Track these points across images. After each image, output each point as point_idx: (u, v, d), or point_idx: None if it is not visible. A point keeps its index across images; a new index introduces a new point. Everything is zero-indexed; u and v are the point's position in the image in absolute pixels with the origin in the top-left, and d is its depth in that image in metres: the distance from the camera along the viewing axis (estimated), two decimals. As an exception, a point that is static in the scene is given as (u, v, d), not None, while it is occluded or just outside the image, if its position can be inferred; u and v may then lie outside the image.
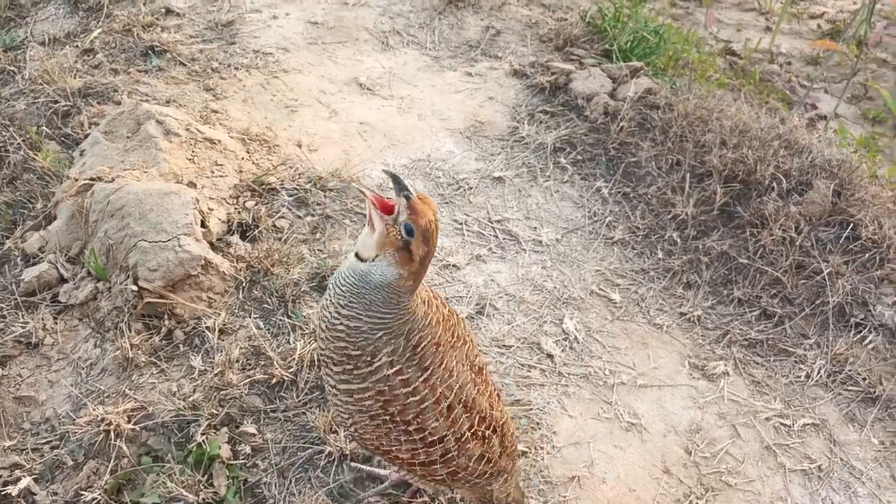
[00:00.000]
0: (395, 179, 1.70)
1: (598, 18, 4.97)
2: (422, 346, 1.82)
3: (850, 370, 3.04)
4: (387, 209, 1.72)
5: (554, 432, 2.73)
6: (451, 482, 2.03)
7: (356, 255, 1.79)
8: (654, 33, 4.87)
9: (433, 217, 1.71)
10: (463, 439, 1.92)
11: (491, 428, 1.99)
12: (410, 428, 1.85)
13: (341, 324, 1.78)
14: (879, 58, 6.75)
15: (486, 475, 2.04)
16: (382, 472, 2.44)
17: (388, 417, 1.84)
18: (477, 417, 1.94)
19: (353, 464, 2.46)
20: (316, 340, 2.34)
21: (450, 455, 1.92)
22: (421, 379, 1.81)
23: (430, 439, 1.88)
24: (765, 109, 4.10)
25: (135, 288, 2.78)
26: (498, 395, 2.14)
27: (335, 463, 2.47)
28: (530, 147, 4.07)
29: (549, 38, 5.05)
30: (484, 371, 2.06)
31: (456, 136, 4.14)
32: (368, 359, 1.79)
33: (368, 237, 1.75)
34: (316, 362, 2.71)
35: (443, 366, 1.86)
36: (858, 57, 5.72)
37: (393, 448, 1.91)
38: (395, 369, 1.79)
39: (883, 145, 5.62)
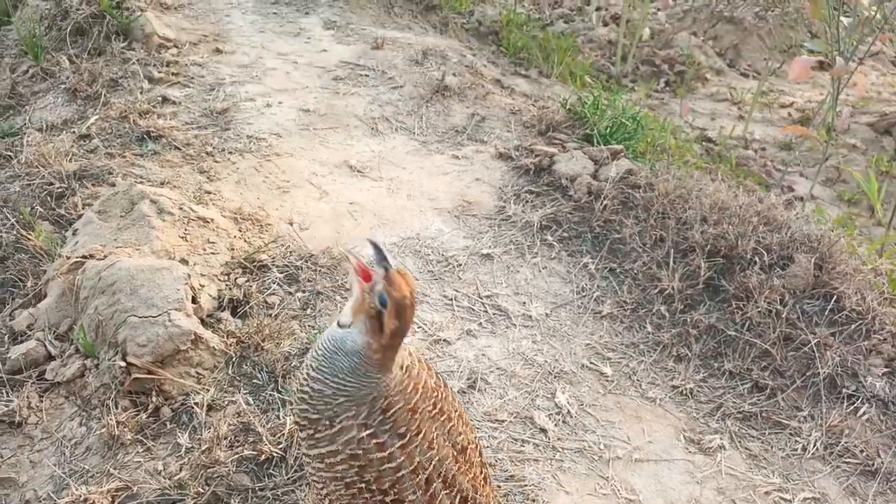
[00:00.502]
0: (377, 249, 1.74)
1: (578, 106, 5.19)
2: (392, 410, 1.79)
3: (846, 442, 3.02)
4: (366, 276, 1.75)
5: (550, 509, 2.67)
6: None
7: (338, 322, 1.83)
8: (632, 119, 5.08)
9: (409, 293, 1.73)
10: None
11: None
12: (387, 499, 1.80)
13: (307, 386, 1.80)
14: (849, 143, 7.05)
15: None
16: None
17: (363, 486, 1.79)
18: (458, 498, 1.88)
19: None
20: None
21: None
22: (397, 445, 1.78)
23: None
24: (742, 189, 4.23)
25: (123, 364, 2.75)
26: (486, 479, 2.07)
27: (326, 542, 2.38)
28: (517, 225, 4.16)
29: (531, 124, 5.26)
30: (468, 452, 1.99)
31: (444, 216, 4.22)
32: (327, 423, 1.78)
33: (352, 304, 1.78)
34: (306, 438, 2.66)
35: (420, 435, 1.82)
36: (828, 142, 5.98)
37: None
38: (368, 432, 1.76)
39: (860, 224, 5.79)
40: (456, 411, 1.99)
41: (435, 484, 1.82)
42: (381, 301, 1.71)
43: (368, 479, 1.78)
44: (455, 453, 1.91)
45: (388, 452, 1.77)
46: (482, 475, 2.04)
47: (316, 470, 1.84)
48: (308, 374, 1.80)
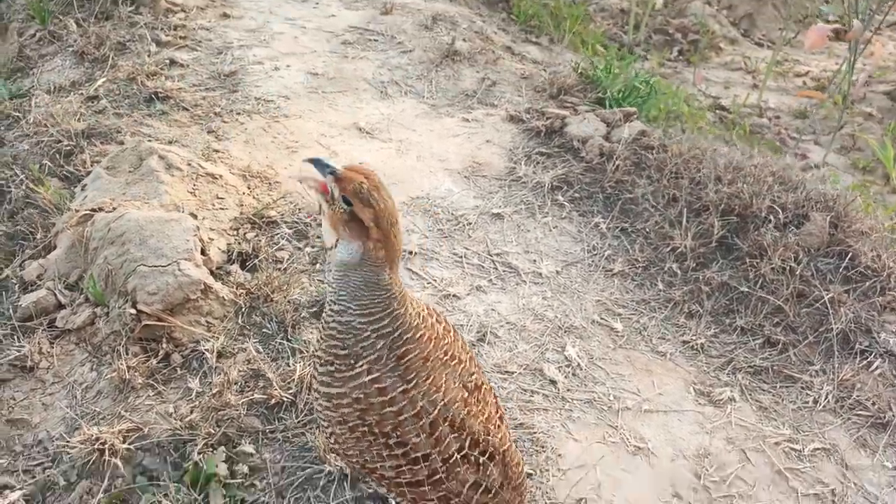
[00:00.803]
0: (315, 163, 1.72)
1: (591, 70, 5.13)
2: (407, 358, 1.77)
3: (857, 396, 3.00)
4: (325, 189, 1.73)
5: (559, 455, 2.66)
6: None
7: (327, 248, 1.81)
8: (645, 83, 5.02)
9: (364, 178, 1.69)
10: (451, 461, 1.82)
11: (486, 454, 1.89)
12: (390, 441, 1.78)
13: (334, 321, 1.77)
14: (865, 111, 6.95)
15: None
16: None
17: (366, 429, 1.77)
18: (468, 440, 1.84)
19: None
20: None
21: (437, 477, 1.83)
22: (399, 389, 1.75)
23: (412, 455, 1.79)
24: (757, 150, 4.18)
25: (133, 311, 2.76)
26: (501, 418, 2.05)
27: (335, 483, 2.39)
28: (528, 186, 4.13)
29: (543, 88, 5.20)
30: (482, 391, 1.97)
31: (454, 176, 4.19)
32: (352, 361, 1.76)
33: (325, 223, 1.76)
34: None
35: (429, 380, 1.80)
36: (844, 108, 5.89)
37: (377, 465, 1.83)
38: (371, 377, 1.75)
39: (874, 192, 5.72)
40: (467, 353, 1.98)
41: (441, 427, 1.79)
42: (345, 201, 1.69)
43: (370, 423, 1.77)
44: (467, 394, 1.89)
45: (389, 397, 1.75)
46: (497, 414, 2.02)
47: (323, 408, 1.83)
48: (331, 308, 1.78)
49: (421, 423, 1.77)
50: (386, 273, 1.74)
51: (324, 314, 1.82)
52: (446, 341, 1.90)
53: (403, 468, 1.81)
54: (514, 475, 1.99)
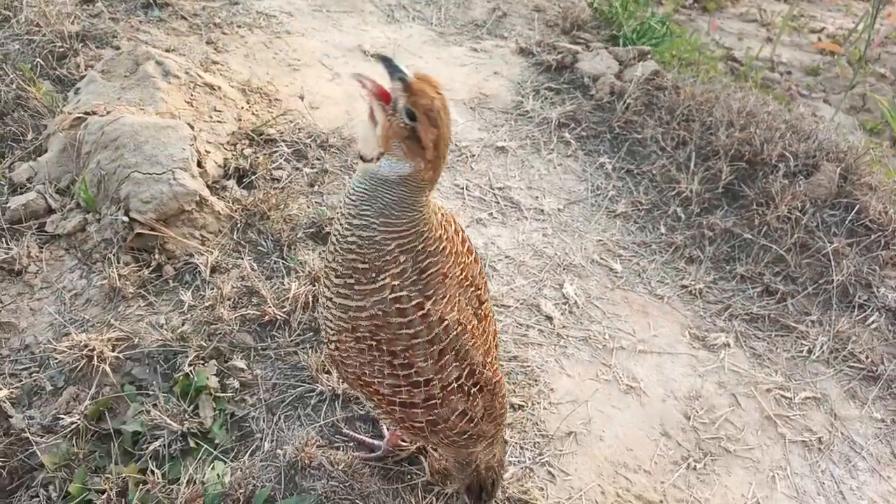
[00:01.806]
0: (386, 62, 1.55)
1: (605, 5, 4.96)
2: (428, 272, 1.69)
3: (852, 348, 2.99)
4: (385, 97, 1.57)
5: (551, 389, 2.65)
6: (429, 432, 1.89)
7: (360, 157, 1.67)
8: (661, 23, 4.86)
9: (436, 94, 1.55)
10: (449, 388, 1.79)
11: (477, 386, 1.85)
12: (396, 361, 1.72)
13: (353, 235, 1.66)
14: (878, 72, 6.81)
15: (466, 435, 1.91)
16: (375, 441, 2.31)
17: (374, 343, 1.71)
18: (467, 370, 1.81)
19: (345, 431, 2.32)
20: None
21: (433, 402, 1.79)
22: (419, 313, 1.68)
23: (414, 378, 1.75)
24: (772, 96, 4.08)
25: (126, 219, 2.68)
26: (496, 346, 2.00)
27: (326, 402, 2.37)
28: (534, 121, 4.02)
29: (555, 23, 5.03)
30: (489, 320, 1.92)
31: (460, 107, 4.07)
32: (374, 275, 1.66)
33: (370, 130, 1.60)
34: (310, 304, 2.62)
35: (445, 299, 1.73)
36: (860, 64, 5.76)
37: (375, 381, 1.78)
38: (393, 294, 1.67)
39: (880, 154, 5.64)
40: (482, 277, 1.92)
41: (448, 356, 1.75)
42: (409, 116, 1.54)
43: (381, 338, 1.70)
44: (476, 322, 1.83)
45: (407, 319, 1.68)
46: (494, 343, 1.98)
47: (335, 318, 1.74)
48: (350, 222, 1.66)
49: (432, 349, 1.72)
50: (425, 195, 1.64)
51: (337, 226, 1.70)
52: (464, 260, 1.82)
53: (402, 388, 1.77)
54: (498, 406, 1.96)
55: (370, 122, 1.60)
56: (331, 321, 1.76)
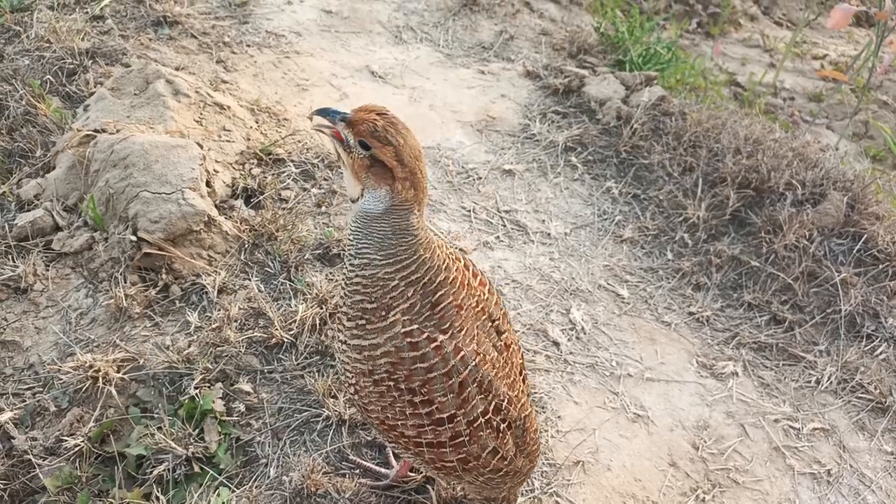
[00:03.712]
0: (322, 113, 1.63)
1: (612, 30, 4.99)
2: (442, 305, 1.68)
3: (860, 379, 2.98)
4: (339, 136, 1.63)
5: (559, 417, 2.63)
6: (462, 471, 1.85)
7: (351, 200, 1.71)
8: (667, 49, 4.89)
9: (377, 116, 1.59)
10: (476, 424, 1.76)
11: (506, 422, 1.82)
12: (416, 399, 1.70)
13: (356, 275, 1.68)
14: (880, 100, 6.85)
15: (501, 472, 1.87)
16: (382, 470, 2.27)
17: (392, 383, 1.69)
18: (493, 403, 1.77)
19: (352, 458, 2.29)
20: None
21: (460, 440, 1.76)
22: (433, 345, 1.67)
23: (437, 416, 1.72)
24: (778, 124, 4.09)
25: (133, 238, 2.67)
26: (524, 379, 1.96)
27: (332, 428, 2.34)
28: (541, 144, 4.03)
29: (561, 46, 5.06)
30: (510, 350, 1.88)
31: (467, 129, 4.09)
32: (383, 313, 1.67)
33: (346, 171, 1.67)
34: (318, 327, 2.60)
35: (463, 331, 1.71)
36: (863, 92, 5.79)
37: (399, 423, 1.76)
38: (405, 329, 1.66)
39: (883, 182, 5.66)
40: (501, 310, 1.89)
41: (470, 388, 1.72)
42: (362, 146, 1.59)
43: (398, 377, 1.69)
44: (496, 354, 1.81)
45: (420, 352, 1.67)
46: (521, 374, 1.94)
47: (350, 360, 1.73)
48: (352, 263, 1.69)
49: (451, 382, 1.70)
50: (415, 216, 1.65)
51: (344, 270, 1.72)
52: (479, 294, 1.81)
53: (426, 428, 1.74)
54: (530, 442, 1.93)
55: (343, 164, 1.66)
56: (348, 364, 1.75)
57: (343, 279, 1.73)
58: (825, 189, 3.46)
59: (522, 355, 1.98)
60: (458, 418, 1.73)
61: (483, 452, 1.80)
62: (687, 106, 4.14)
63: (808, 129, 6.16)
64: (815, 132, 6.21)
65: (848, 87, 6.84)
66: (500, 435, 1.82)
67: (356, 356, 1.72)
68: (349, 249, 1.70)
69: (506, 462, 1.85)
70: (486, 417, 1.77)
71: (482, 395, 1.75)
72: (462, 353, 1.70)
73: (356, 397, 1.79)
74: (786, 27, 8.37)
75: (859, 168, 5.68)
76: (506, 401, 1.81)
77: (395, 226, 1.64)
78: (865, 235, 3.33)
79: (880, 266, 3.28)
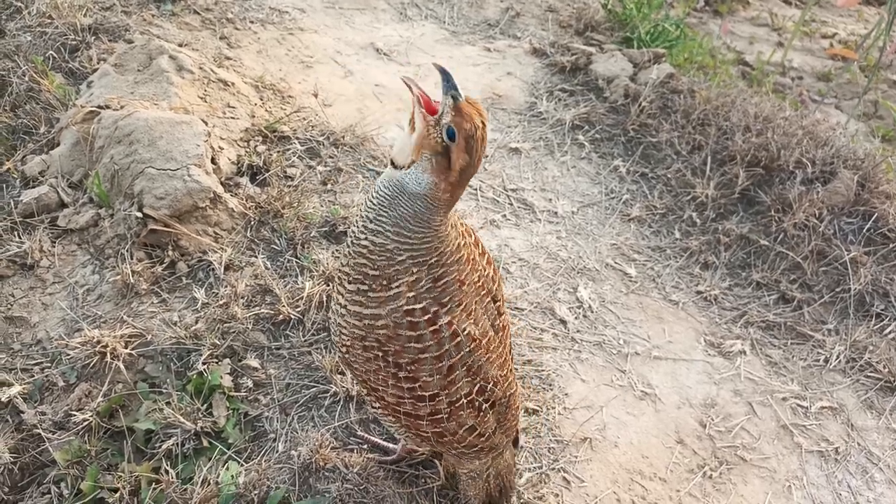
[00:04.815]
0: (445, 75, 1.50)
1: (619, 7, 4.93)
2: (444, 280, 1.65)
3: (869, 358, 2.96)
4: (431, 109, 1.53)
5: (566, 394, 2.63)
6: (436, 443, 1.86)
7: (391, 162, 1.63)
8: (676, 26, 4.83)
9: (481, 124, 1.52)
10: (457, 404, 1.74)
11: (490, 402, 1.81)
12: (401, 374, 1.68)
13: (366, 238, 1.63)
14: (890, 79, 6.77)
15: (476, 448, 1.87)
16: (390, 445, 2.27)
17: (381, 353, 1.67)
18: (478, 386, 1.76)
19: (360, 433, 2.29)
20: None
21: (438, 416, 1.75)
22: (431, 328, 1.64)
23: (418, 393, 1.71)
24: (788, 102, 4.04)
25: (139, 215, 2.65)
26: (511, 358, 1.95)
27: (340, 403, 2.34)
28: (548, 122, 4.00)
29: (568, 24, 5.01)
30: (505, 332, 1.87)
31: (473, 107, 4.04)
32: (385, 282, 1.63)
33: (407, 138, 1.57)
34: (324, 304, 2.60)
35: (461, 307, 1.68)
36: (873, 71, 5.73)
37: (380, 387, 1.75)
38: (408, 307, 1.62)
39: (894, 161, 5.61)
40: (502, 294, 1.87)
41: (457, 372, 1.70)
42: (448, 135, 1.49)
43: (388, 350, 1.66)
44: (492, 334, 1.79)
45: (418, 333, 1.64)
46: (510, 356, 1.93)
47: (348, 325, 1.70)
48: (365, 226, 1.62)
49: (440, 364, 1.67)
50: (440, 215, 1.60)
51: (353, 228, 1.67)
52: (483, 271, 1.78)
53: (405, 400, 1.73)
54: (510, 418, 1.93)
55: (409, 129, 1.57)
56: (344, 328, 1.72)
57: (350, 237, 1.67)
58: (835, 167, 3.43)
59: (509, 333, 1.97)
60: (440, 397, 1.72)
61: (460, 429, 1.80)
62: (696, 84, 4.10)
63: (816, 109, 6.11)
64: (824, 112, 6.15)
65: (857, 67, 6.76)
66: (482, 413, 1.81)
67: (355, 322, 1.68)
68: (367, 211, 1.63)
69: (483, 438, 1.85)
70: (468, 399, 1.76)
71: (469, 378, 1.74)
72: (458, 338, 1.68)
73: (347, 356, 1.77)
74: (794, 5, 8.27)
75: (869, 147, 5.64)
76: (492, 383, 1.79)
77: (419, 215, 1.59)
78: (876, 214, 3.31)
79: (890, 245, 3.25)
